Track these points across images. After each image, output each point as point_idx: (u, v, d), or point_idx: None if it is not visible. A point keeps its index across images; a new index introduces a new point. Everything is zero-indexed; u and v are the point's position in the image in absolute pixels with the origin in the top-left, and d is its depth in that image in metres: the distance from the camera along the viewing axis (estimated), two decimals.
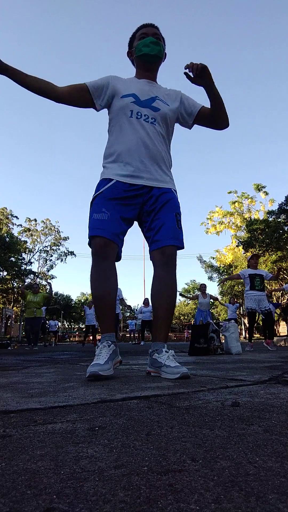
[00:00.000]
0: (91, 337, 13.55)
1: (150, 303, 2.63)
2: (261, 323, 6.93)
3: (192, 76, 1.81)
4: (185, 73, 1.81)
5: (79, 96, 1.88)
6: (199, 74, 1.78)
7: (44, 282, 30.20)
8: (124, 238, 1.89)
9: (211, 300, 9.99)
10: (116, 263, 1.86)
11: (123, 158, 1.82)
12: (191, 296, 9.73)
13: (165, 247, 1.80)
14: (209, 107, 1.96)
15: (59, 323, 21.47)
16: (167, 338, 1.83)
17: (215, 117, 1.97)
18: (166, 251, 1.81)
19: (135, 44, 1.99)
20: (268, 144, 73.85)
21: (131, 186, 1.81)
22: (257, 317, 5.97)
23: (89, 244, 1.81)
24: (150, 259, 1.90)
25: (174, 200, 1.88)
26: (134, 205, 1.84)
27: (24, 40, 75.49)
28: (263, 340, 6.06)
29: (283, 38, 73.45)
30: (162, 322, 1.81)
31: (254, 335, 6.12)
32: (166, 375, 1.60)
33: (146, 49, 1.92)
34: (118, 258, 1.87)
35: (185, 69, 1.79)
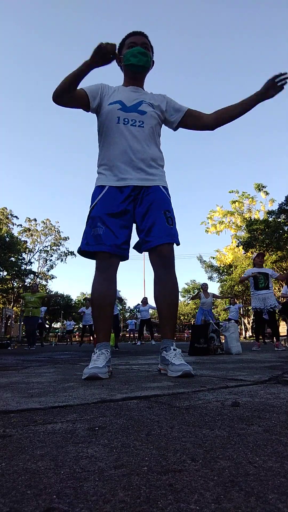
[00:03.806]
0: (91, 337, 13.53)
1: (154, 304, 2.66)
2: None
3: (273, 83, 1.92)
4: (277, 78, 1.91)
5: (80, 102, 1.94)
6: (276, 88, 1.93)
7: (44, 282, 30.22)
8: (130, 241, 1.97)
9: (214, 298, 9.97)
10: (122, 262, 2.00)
11: (113, 164, 1.90)
12: (193, 295, 9.71)
13: (159, 246, 1.83)
14: (230, 108, 2.02)
15: (74, 323, 21.93)
16: (174, 334, 1.89)
17: (226, 118, 2.04)
18: (162, 252, 1.83)
19: (123, 52, 2.05)
20: (270, 143, 73.89)
21: (123, 191, 1.87)
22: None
23: (80, 254, 1.93)
24: (149, 260, 1.94)
25: (161, 198, 1.90)
26: (129, 217, 1.91)
27: (24, 34, 75.63)
28: (264, 340, 6.03)
29: (284, 30, 73.20)
30: (168, 321, 1.89)
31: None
32: (170, 373, 1.68)
33: (134, 59, 1.99)
34: (125, 258, 1.99)
35: (279, 77, 1.91)
